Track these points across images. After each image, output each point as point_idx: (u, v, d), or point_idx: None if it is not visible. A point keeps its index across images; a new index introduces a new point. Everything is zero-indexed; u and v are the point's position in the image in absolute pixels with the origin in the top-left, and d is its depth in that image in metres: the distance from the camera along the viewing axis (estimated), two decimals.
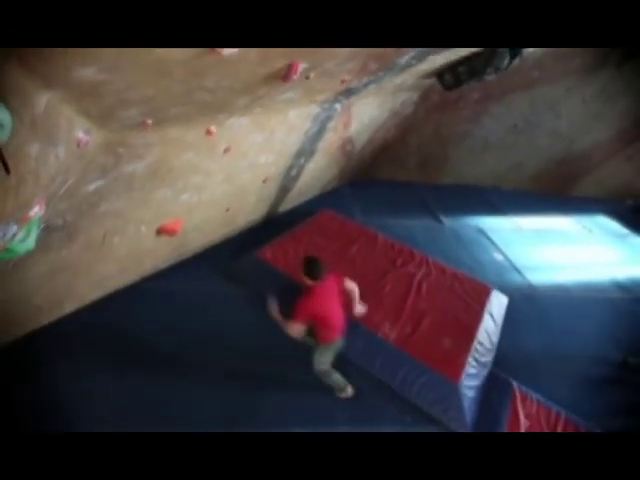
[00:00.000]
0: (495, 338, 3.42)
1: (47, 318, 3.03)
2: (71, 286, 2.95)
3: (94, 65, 1.10)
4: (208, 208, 3.57)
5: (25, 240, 1.46)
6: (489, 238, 5.49)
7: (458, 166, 6.90)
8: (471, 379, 2.85)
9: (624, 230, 6.40)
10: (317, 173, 5.18)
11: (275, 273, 3.66)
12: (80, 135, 1.52)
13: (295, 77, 1.90)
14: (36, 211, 1.40)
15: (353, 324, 3.03)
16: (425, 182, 6.98)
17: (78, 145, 1.53)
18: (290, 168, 4.21)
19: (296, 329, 2.18)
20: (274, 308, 2.28)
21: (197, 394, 2.65)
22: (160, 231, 3.24)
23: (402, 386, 2.81)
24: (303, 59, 1.78)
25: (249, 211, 4.38)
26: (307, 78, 2.21)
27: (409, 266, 4.02)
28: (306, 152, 4.17)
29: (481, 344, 3.20)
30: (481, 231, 5.68)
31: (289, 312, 2.23)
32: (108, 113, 1.56)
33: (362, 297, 3.02)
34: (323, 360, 2.50)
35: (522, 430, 2.57)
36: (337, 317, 2.36)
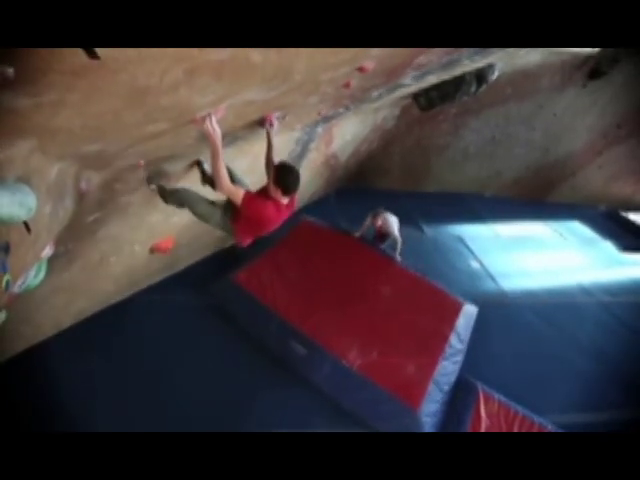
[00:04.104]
0: (460, 357, 3.49)
1: (47, 333, 3.25)
2: (70, 303, 3.17)
3: (98, 143, 1.35)
4: (198, 226, 3.80)
5: (37, 275, 1.71)
6: (467, 246, 5.78)
7: (440, 175, 7.21)
8: (431, 404, 2.96)
9: (595, 235, 6.78)
10: (303, 186, 5.41)
11: (248, 298, 3.68)
12: (83, 185, 1.77)
13: (270, 125, 2.16)
14: (47, 252, 1.65)
15: (319, 350, 3.23)
16: (409, 190, 7.25)
17: (81, 193, 1.78)
18: None
19: (226, 185, 1.88)
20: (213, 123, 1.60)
21: (185, 398, 2.90)
22: (153, 250, 3.48)
23: (366, 413, 2.90)
24: (275, 110, 2.05)
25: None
26: (283, 119, 2.48)
27: (384, 280, 4.09)
28: None
29: (445, 367, 3.28)
30: (460, 239, 5.97)
31: None
32: (107, 164, 1.81)
33: (333, 318, 3.47)
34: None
35: (483, 428, 2.86)
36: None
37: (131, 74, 0.85)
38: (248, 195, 1.92)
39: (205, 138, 1.66)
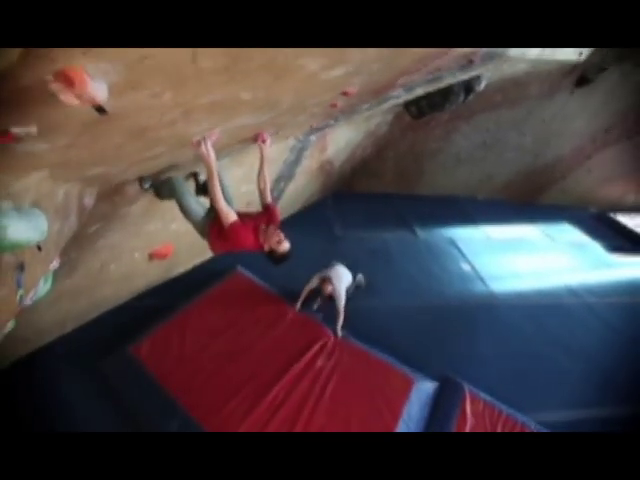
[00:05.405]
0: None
1: (50, 337, 3.37)
2: (72, 309, 3.29)
3: (101, 167, 1.48)
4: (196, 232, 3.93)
5: (45, 286, 1.83)
6: (459, 249, 5.90)
7: (433, 179, 7.34)
8: None
9: (585, 237, 6.93)
10: (298, 191, 5.56)
11: (148, 381, 3.05)
12: (86, 201, 1.89)
13: (263, 141, 2.28)
14: (54, 265, 1.77)
15: None
16: (403, 193, 7.38)
17: (84, 208, 1.90)
18: (271, 192, 4.58)
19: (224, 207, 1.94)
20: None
21: None
22: (152, 256, 3.59)
23: None
24: (268, 129, 2.18)
25: None
26: (277, 133, 2.61)
27: (317, 354, 3.42)
28: (285, 177, 4.56)
29: None
30: (452, 242, 6.09)
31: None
32: (108, 182, 1.93)
33: (246, 411, 2.82)
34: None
35: (468, 427, 3.00)
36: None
37: (134, 119, 0.98)
38: (236, 224, 1.96)
39: (200, 158, 1.78)
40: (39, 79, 0.56)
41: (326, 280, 3.62)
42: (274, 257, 2.05)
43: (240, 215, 2.05)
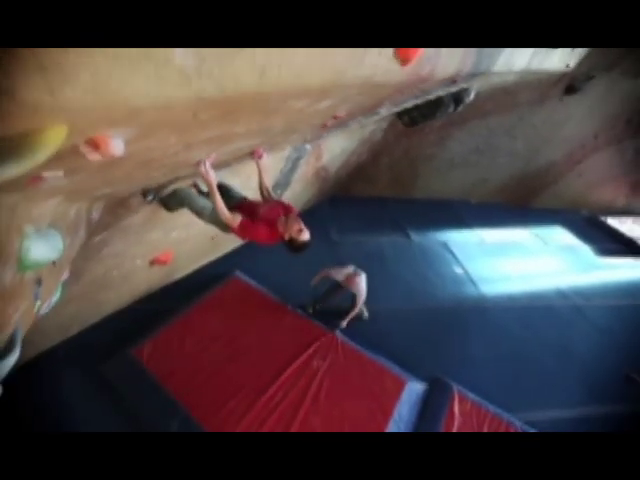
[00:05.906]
0: None
1: (54, 341, 3.50)
2: (76, 313, 3.43)
3: (109, 188, 1.62)
4: (196, 239, 4.07)
5: (56, 295, 1.97)
6: (452, 253, 6.04)
7: (428, 183, 7.49)
8: None
9: (576, 240, 7.09)
10: (295, 197, 5.69)
11: (148, 382, 3.16)
12: (93, 215, 2.03)
13: (259, 157, 2.43)
14: (65, 276, 1.91)
15: None
16: (398, 198, 7.52)
17: (91, 222, 2.04)
18: None
19: (229, 216, 2.04)
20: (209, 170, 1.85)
21: None
22: (153, 262, 3.73)
23: None
24: (263, 145, 2.32)
25: (233, 237, 4.88)
26: (271, 149, 2.75)
27: (313, 355, 3.53)
28: (281, 185, 4.70)
29: None
30: (446, 246, 6.23)
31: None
32: (114, 197, 2.07)
33: (251, 405, 2.95)
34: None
35: (455, 427, 3.14)
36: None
37: (142, 156, 1.12)
38: (244, 223, 2.07)
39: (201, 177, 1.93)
40: (72, 144, 0.71)
41: (356, 274, 3.75)
42: (294, 246, 2.08)
43: (252, 206, 2.19)
